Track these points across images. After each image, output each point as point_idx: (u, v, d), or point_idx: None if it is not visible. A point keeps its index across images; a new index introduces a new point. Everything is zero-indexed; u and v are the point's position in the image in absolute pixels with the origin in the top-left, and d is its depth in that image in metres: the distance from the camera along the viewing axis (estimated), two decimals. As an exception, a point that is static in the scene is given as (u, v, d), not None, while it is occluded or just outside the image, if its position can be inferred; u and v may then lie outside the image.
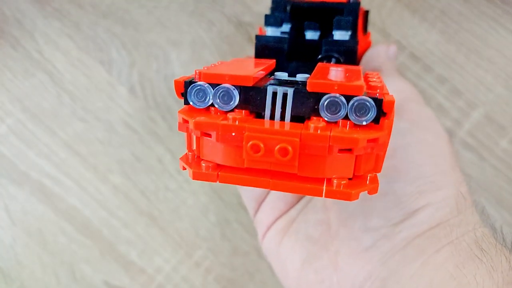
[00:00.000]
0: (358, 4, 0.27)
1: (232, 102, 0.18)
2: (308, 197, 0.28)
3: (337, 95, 0.16)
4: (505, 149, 0.38)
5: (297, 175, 0.17)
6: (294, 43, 0.26)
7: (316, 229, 0.26)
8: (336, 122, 0.17)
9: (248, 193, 0.31)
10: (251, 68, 0.19)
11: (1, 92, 0.41)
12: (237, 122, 0.17)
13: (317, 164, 0.17)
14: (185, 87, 0.18)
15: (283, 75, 0.21)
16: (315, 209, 0.27)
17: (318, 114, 0.17)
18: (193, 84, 0.18)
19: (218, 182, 0.18)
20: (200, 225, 0.40)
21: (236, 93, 0.17)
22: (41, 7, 0.41)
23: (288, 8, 0.28)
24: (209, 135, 0.18)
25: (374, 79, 0.20)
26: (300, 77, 0.20)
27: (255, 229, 0.39)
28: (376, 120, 0.17)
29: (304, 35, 0.27)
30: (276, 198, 0.29)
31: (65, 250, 0.40)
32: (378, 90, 0.18)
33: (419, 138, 0.24)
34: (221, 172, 0.18)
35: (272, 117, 0.18)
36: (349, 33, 0.25)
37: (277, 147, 0.16)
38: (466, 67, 0.39)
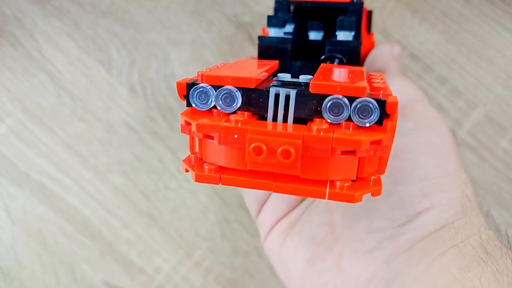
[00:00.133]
0: (362, 4, 0.27)
1: (234, 104, 0.18)
2: (310, 198, 0.28)
3: (340, 96, 0.16)
4: (505, 149, 0.38)
5: (300, 177, 0.17)
6: (298, 43, 0.26)
7: (320, 230, 0.26)
8: (339, 124, 0.17)
9: (250, 194, 0.31)
10: (254, 70, 0.19)
11: (1, 92, 0.41)
12: (239, 124, 0.17)
13: (320, 166, 0.17)
14: (188, 89, 0.18)
15: (286, 76, 0.20)
16: (318, 210, 0.27)
17: (321, 116, 0.17)
18: (195, 86, 0.18)
19: (220, 184, 0.18)
20: (200, 225, 0.40)
21: (238, 95, 0.17)
22: (41, 6, 0.41)
23: (292, 8, 0.28)
24: (212, 137, 0.18)
25: (377, 80, 0.20)
26: (303, 78, 0.20)
27: (255, 229, 0.39)
28: (379, 122, 0.17)
29: (307, 35, 0.27)
30: (278, 199, 0.29)
31: (65, 250, 0.40)
32: (381, 91, 0.18)
33: (424, 139, 0.24)
34: (223, 175, 0.18)
35: (274, 119, 0.17)
36: (353, 33, 0.25)
37: (280, 149, 0.16)
38: (466, 67, 0.39)
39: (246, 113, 0.18)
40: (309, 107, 0.17)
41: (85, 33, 0.41)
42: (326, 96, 0.16)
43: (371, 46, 0.29)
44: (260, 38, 0.25)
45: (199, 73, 0.18)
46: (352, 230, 0.24)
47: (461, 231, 0.22)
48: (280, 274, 0.28)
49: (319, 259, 0.25)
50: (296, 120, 0.17)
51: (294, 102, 0.17)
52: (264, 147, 0.16)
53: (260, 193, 0.30)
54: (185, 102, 0.19)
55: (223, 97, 0.17)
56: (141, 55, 0.40)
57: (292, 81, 0.20)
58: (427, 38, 0.39)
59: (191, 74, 0.37)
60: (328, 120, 0.17)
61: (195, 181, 0.18)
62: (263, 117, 0.18)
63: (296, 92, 0.17)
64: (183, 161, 0.19)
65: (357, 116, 0.16)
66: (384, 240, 0.23)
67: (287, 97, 0.17)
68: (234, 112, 0.18)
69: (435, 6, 0.39)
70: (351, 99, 0.16)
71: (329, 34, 0.27)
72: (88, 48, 0.41)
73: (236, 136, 0.16)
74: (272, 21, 0.26)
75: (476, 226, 0.22)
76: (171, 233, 0.40)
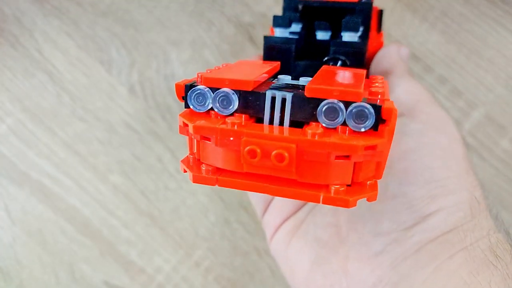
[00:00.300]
0: (371, 3, 0.27)
1: (231, 107, 0.18)
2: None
3: (336, 101, 0.16)
4: (505, 149, 0.38)
5: (296, 181, 0.17)
6: (305, 43, 0.26)
7: (325, 232, 0.26)
8: (335, 128, 0.17)
9: (256, 194, 0.30)
10: (253, 72, 0.19)
11: (1, 92, 0.41)
12: (235, 127, 0.17)
13: (315, 170, 0.17)
14: (186, 91, 0.18)
15: (286, 78, 0.20)
16: (324, 212, 0.27)
17: (317, 120, 0.17)
18: (193, 88, 0.18)
19: (217, 186, 0.18)
20: (200, 225, 0.40)
21: (235, 97, 0.17)
22: (40, 5, 0.41)
23: (300, 7, 0.28)
24: (209, 139, 0.18)
25: (377, 84, 0.20)
26: (303, 80, 0.20)
27: (255, 229, 0.39)
28: (375, 127, 0.16)
29: (315, 35, 0.27)
30: (284, 200, 0.29)
31: (64, 249, 0.40)
32: (379, 96, 0.18)
33: (432, 140, 0.23)
34: (220, 176, 0.18)
35: (271, 121, 0.17)
36: (358, 34, 0.25)
37: (274, 153, 0.16)
38: (467, 67, 0.39)
39: (243, 115, 0.18)
40: (305, 110, 0.17)
41: (84, 33, 0.41)
42: (321, 100, 0.16)
43: (380, 46, 0.28)
44: (265, 38, 0.25)
45: (199, 74, 0.18)
46: (358, 233, 0.24)
47: (470, 234, 0.21)
48: (286, 274, 0.28)
49: (324, 262, 0.25)
50: (294, 123, 0.17)
51: (290, 106, 0.17)
52: (259, 150, 0.16)
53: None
54: (184, 103, 0.19)
55: (220, 99, 0.18)
56: (141, 55, 0.40)
57: (292, 84, 0.20)
58: (427, 38, 0.39)
59: (191, 74, 0.37)
60: (323, 124, 0.17)
61: (193, 182, 0.18)
62: (260, 120, 0.18)
63: (292, 96, 0.17)
64: (182, 161, 0.19)
65: (352, 121, 0.16)
66: (391, 243, 0.23)
67: (284, 100, 0.17)
68: (232, 115, 0.18)
69: (435, 6, 0.39)
70: (347, 104, 0.16)
71: (337, 34, 0.27)
72: (88, 48, 0.41)
73: (232, 138, 0.17)
74: (277, 21, 0.26)
75: (485, 229, 0.22)
76: (171, 233, 0.40)
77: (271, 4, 0.41)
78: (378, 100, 0.17)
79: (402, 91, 0.25)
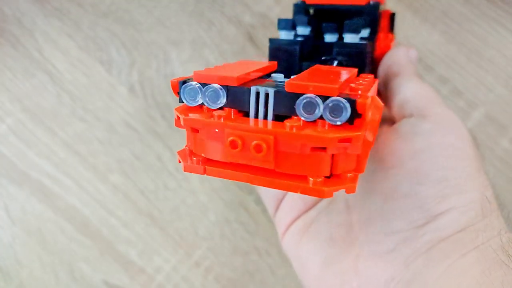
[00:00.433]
0: (378, 7, 0.28)
1: (219, 101, 0.19)
2: (329, 198, 0.28)
3: (313, 95, 0.17)
4: (506, 148, 0.38)
5: (277, 172, 0.18)
6: (314, 45, 0.27)
7: (337, 231, 0.26)
8: (314, 122, 0.18)
9: (267, 191, 0.31)
10: (243, 70, 0.20)
11: (1, 92, 0.41)
12: (222, 119, 0.18)
13: (293, 161, 0.18)
14: (179, 87, 0.20)
15: (279, 77, 0.22)
16: (336, 211, 0.27)
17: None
18: (185, 84, 0.19)
19: (205, 175, 0.19)
20: (199, 225, 0.40)
21: (222, 92, 0.19)
22: (41, 6, 0.41)
23: (312, 11, 0.29)
24: (198, 131, 0.19)
25: (361, 81, 0.21)
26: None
27: (255, 229, 0.39)
28: (350, 121, 0.17)
29: (323, 38, 0.28)
30: (295, 197, 0.29)
31: (64, 249, 0.40)
32: (359, 92, 0.19)
33: (443, 140, 0.24)
34: (208, 166, 0.19)
35: (257, 115, 0.19)
36: (360, 35, 0.25)
37: (253, 143, 0.17)
38: (467, 67, 0.39)
39: (232, 110, 0.19)
40: (286, 105, 0.18)
41: (85, 33, 0.41)
42: (301, 95, 0.17)
43: (388, 48, 0.29)
44: (270, 40, 0.26)
45: (194, 72, 0.20)
46: (370, 232, 0.24)
47: (481, 234, 0.21)
48: (297, 272, 0.28)
49: (336, 260, 0.25)
50: (279, 118, 0.18)
51: (272, 100, 0.18)
52: (239, 141, 0.17)
53: (276, 190, 0.30)
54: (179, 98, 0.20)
55: (209, 94, 0.19)
56: (141, 55, 0.40)
57: (282, 81, 0.20)
58: (427, 38, 0.39)
59: (190, 74, 0.37)
60: (302, 118, 0.18)
61: (184, 171, 0.20)
62: (248, 114, 0.19)
63: (274, 91, 0.18)
64: (178, 152, 0.21)
65: (328, 115, 0.17)
66: (403, 242, 0.23)
67: (267, 95, 0.18)
68: (221, 109, 0.19)
69: (436, 6, 0.39)
70: (325, 98, 0.17)
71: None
72: (88, 48, 0.41)
73: (217, 130, 0.18)
74: (281, 24, 0.26)
75: (496, 229, 0.22)
76: (171, 233, 0.40)
77: (271, 4, 0.41)
78: (358, 96, 0.18)
79: (411, 93, 0.26)
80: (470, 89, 0.39)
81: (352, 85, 0.20)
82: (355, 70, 0.22)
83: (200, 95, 0.19)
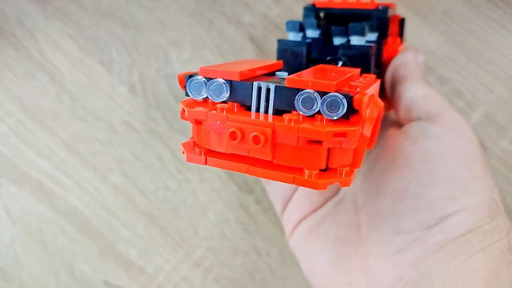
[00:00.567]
0: (386, 11, 0.28)
1: (223, 95, 0.20)
2: (337, 198, 0.29)
3: (311, 91, 0.18)
4: (505, 149, 0.38)
5: (274, 164, 0.19)
6: (324, 47, 0.27)
7: (345, 231, 0.27)
8: (313, 116, 0.18)
9: (275, 189, 0.31)
10: (247, 66, 0.21)
11: (1, 92, 0.41)
12: (224, 112, 0.19)
13: (290, 153, 0.18)
14: (186, 81, 0.20)
15: (283, 74, 0.22)
16: (344, 211, 0.28)
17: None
18: (191, 78, 0.20)
19: (206, 165, 0.20)
20: (199, 225, 0.40)
21: (226, 87, 0.20)
22: (42, 6, 0.41)
23: (322, 14, 0.30)
24: (201, 123, 0.20)
25: (361, 79, 0.21)
26: None
27: (255, 229, 0.39)
28: (346, 116, 0.18)
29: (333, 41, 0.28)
30: (303, 197, 0.30)
31: (64, 249, 0.40)
32: (358, 89, 0.19)
33: (452, 143, 0.24)
34: (209, 157, 0.20)
35: (258, 109, 0.19)
36: (366, 38, 0.26)
37: (251, 135, 0.18)
38: (467, 67, 0.39)
39: (235, 104, 0.20)
40: (286, 100, 0.19)
41: (85, 34, 0.41)
42: (300, 90, 0.18)
43: (396, 53, 0.29)
44: (279, 40, 0.27)
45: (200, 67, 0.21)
46: (379, 231, 0.25)
47: (489, 236, 0.22)
48: (305, 271, 0.28)
49: (344, 259, 0.26)
50: (280, 112, 0.19)
51: (273, 95, 0.19)
52: (239, 133, 0.18)
53: (283, 188, 0.31)
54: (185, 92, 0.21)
55: (213, 88, 0.20)
56: (141, 55, 0.41)
57: (285, 79, 0.21)
58: (427, 39, 0.39)
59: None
60: (301, 112, 0.18)
61: (186, 161, 0.20)
62: (250, 108, 0.20)
63: (275, 86, 0.19)
64: (182, 144, 0.22)
65: (326, 110, 0.18)
66: (412, 242, 0.23)
67: (268, 90, 0.19)
68: (225, 102, 0.20)
69: (436, 7, 0.39)
70: (323, 94, 0.18)
71: None
72: (89, 49, 0.41)
73: (218, 122, 0.19)
74: (289, 26, 0.27)
75: (504, 231, 0.22)
76: (171, 233, 0.40)
77: (271, 4, 0.41)
78: (357, 93, 0.19)
79: (419, 97, 0.26)
80: (470, 89, 0.39)
81: (352, 83, 0.20)
82: (358, 70, 0.22)
83: (205, 89, 0.20)
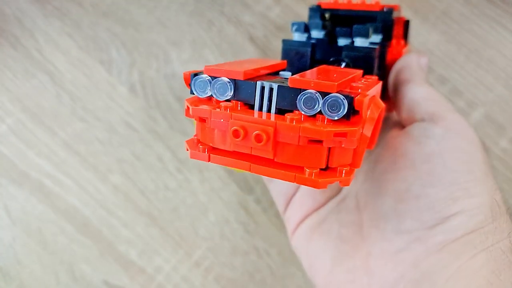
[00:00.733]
0: (391, 13, 0.28)
1: (227, 94, 0.20)
2: (339, 197, 0.29)
3: (313, 91, 0.18)
4: (505, 148, 0.38)
5: (275, 162, 0.19)
6: (329, 48, 0.28)
7: (347, 230, 0.27)
8: (314, 116, 0.19)
9: (277, 188, 0.31)
10: (251, 66, 0.21)
11: (1, 92, 0.41)
12: (228, 110, 0.19)
13: (291, 152, 0.19)
14: (191, 79, 0.21)
15: (287, 74, 0.22)
16: (347, 210, 0.28)
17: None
18: (196, 76, 0.20)
19: (210, 162, 0.20)
20: (199, 225, 0.40)
21: (230, 85, 0.20)
22: (41, 6, 0.41)
23: (327, 16, 0.30)
24: (205, 121, 0.20)
25: (363, 81, 0.21)
26: None
27: (254, 229, 0.39)
28: (347, 117, 0.18)
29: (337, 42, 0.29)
30: (305, 195, 0.30)
31: (64, 249, 0.40)
32: (359, 90, 0.19)
33: (454, 144, 0.24)
34: (212, 154, 0.20)
35: (261, 108, 0.20)
36: (369, 40, 0.26)
37: (254, 133, 0.18)
38: (467, 67, 0.39)
39: (239, 102, 0.20)
40: (288, 99, 0.19)
41: (85, 33, 0.41)
42: (303, 90, 0.18)
43: (400, 55, 0.29)
44: (283, 41, 0.27)
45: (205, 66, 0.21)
46: (381, 231, 0.25)
47: (491, 236, 0.22)
48: (307, 269, 0.29)
49: (347, 258, 0.26)
50: (283, 112, 0.19)
51: (276, 94, 0.19)
52: (242, 131, 0.18)
53: (286, 187, 0.31)
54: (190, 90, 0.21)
55: (218, 86, 0.20)
56: (141, 55, 0.40)
57: (287, 78, 0.21)
58: (427, 38, 0.39)
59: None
60: (302, 112, 0.19)
61: (190, 158, 0.21)
62: (253, 107, 0.20)
63: (278, 86, 0.19)
64: (186, 141, 0.22)
65: (327, 110, 0.18)
66: (413, 241, 0.23)
67: (271, 90, 0.19)
68: (228, 101, 0.20)
69: (436, 6, 0.39)
70: (325, 95, 0.18)
71: None
72: (88, 48, 0.41)
73: (222, 120, 0.19)
74: (294, 26, 0.28)
75: (505, 232, 0.22)
76: (171, 233, 0.40)
77: (271, 4, 0.41)
78: (358, 94, 0.19)
79: (421, 98, 0.26)
80: (469, 89, 0.39)
81: (354, 84, 0.20)
82: (360, 71, 0.23)
83: (209, 88, 0.20)
